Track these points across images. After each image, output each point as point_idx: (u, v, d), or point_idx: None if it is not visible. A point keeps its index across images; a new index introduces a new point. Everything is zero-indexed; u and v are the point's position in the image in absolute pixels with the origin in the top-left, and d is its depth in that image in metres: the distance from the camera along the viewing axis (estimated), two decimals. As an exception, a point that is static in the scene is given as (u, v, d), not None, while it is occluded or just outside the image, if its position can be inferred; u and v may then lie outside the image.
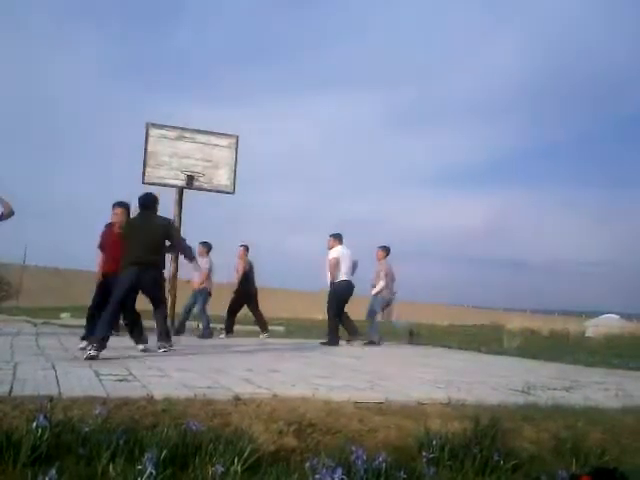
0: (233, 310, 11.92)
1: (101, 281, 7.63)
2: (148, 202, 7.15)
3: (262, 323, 11.94)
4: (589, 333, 21.68)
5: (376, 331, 11.32)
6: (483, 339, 14.78)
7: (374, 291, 11.34)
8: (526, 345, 12.80)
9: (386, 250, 11.65)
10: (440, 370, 6.89)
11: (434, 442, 3.33)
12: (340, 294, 10.58)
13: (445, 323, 26.13)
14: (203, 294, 11.60)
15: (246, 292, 11.86)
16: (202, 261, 11.15)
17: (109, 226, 7.81)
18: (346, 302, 10.71)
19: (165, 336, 7.17)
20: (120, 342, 8.54)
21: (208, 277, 11.56)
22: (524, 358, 9.74)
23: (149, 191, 7.50)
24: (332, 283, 10.60)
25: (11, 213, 7.89)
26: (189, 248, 7.72)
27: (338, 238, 10.87)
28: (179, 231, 7.26)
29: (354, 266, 10.91)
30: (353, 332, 10.82)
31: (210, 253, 11.75)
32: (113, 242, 7.43)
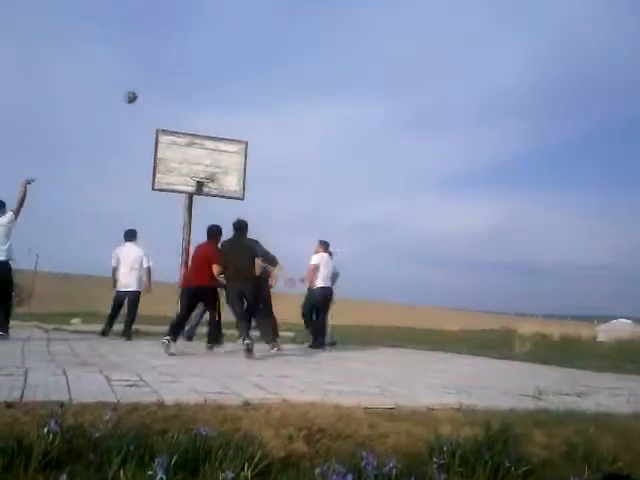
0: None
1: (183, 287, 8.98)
2: (240, 226, 8.76)
3: (274, 329, 11.97)
4: (601, 338, 21.54)
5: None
6: (493, 344, 14.72)
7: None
8: (537, 350, 12.74)
9: (324, 245, 11.12)
10: (450, 375, 6.87)
11: (445, 448, 3.30)
12: (313, 300, 10.69)
13: (455, 328, 26.03)
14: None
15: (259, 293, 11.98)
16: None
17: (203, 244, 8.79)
18: (321, 307, 10.76)
19: (271, 338, 8.93)
20: (131, 347, 8.58)
21: None
22: (535, 363, 9.69)
23: (241, 218, 8.93)
24: (309, 289, 10.71)
25: (22, 200, 8.89)
26: (273, 257, 8.94)
27: (324, 245, 10.98)
28: (262, 245, 8.87)
29: (335, 276, 11.01)
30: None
31: None
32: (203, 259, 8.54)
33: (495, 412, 4.08)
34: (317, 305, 10.74)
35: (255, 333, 11.68)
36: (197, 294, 8.57)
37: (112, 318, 10.86)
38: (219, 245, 8.77)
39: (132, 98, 10.13)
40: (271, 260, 8.94)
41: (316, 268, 10.58)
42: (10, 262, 8.86)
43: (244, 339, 7.99)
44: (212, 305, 8.69)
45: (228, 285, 8.61)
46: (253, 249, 8.69)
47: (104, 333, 10.60)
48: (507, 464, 3.24)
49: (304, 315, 10.87)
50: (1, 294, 8.86)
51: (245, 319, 8.48)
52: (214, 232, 8.80)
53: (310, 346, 10.48)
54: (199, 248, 8.80)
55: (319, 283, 10.59)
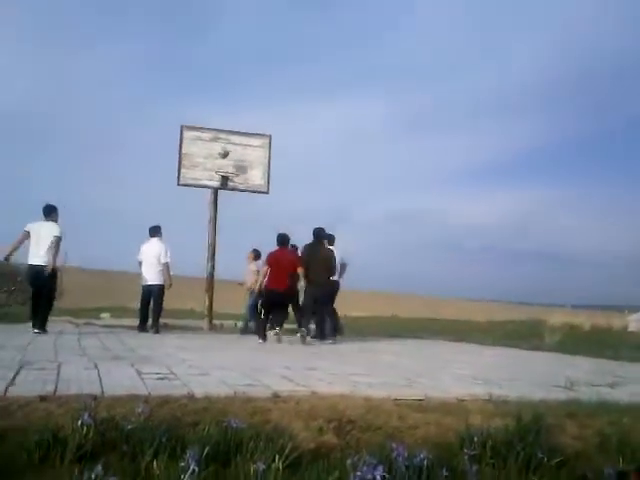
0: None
1: (267, 292, 9.83)
2: (320, 235, 10.19)
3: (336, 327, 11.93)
4: (632, 328, 21.17)
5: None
6: (522, 335, 14.58)
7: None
8: (567, 340, 12.59)
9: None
10: (479, 366, 6.83)
11: (475, 439, 3.27)
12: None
13: (482, 319, 25.82)
14: (253, 294, 12.14)
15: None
16: (252, 265, 12.32)
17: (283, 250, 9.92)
18: (326, 300, 10.74)
19: (334, 331, 10.26)
20: (160, 341, 8.68)
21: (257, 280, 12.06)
22: (565, 354, 9.58)
23: (320, 226, 10.30)
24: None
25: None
26: (334, 268, 10.27)
27: (329, 240, 11.07)
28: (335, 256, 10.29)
29: (343, 267, 11.19)
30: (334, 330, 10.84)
31: (259, 259, 12.40)
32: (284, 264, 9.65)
33: (526, 403, 4.04)
34: (319, 298, 10.80)
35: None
36: (278, 298, 9.66)
37: (143, 312, 11.04)
38: (300, 249, 10.25)
39: (225, 154, 12.23)
40: (333, 270, 10.23)
41: None
42: (53, 267, 9.19)
43: (301, 330, 9.53)
44: (287, 306, 10.06)
45: (307, 287, 9.77)
46: (331, 258, 10.14)
47: (141, 328, 10.80)
48: (539, 455, 3.20)
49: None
50: (43, 297, 9.27)
51: (309, 316, 10.03)
52: (287, 239, 10.00)
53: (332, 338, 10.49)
54: (277, 255, 9.74)
55: None
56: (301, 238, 10.64)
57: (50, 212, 9.32)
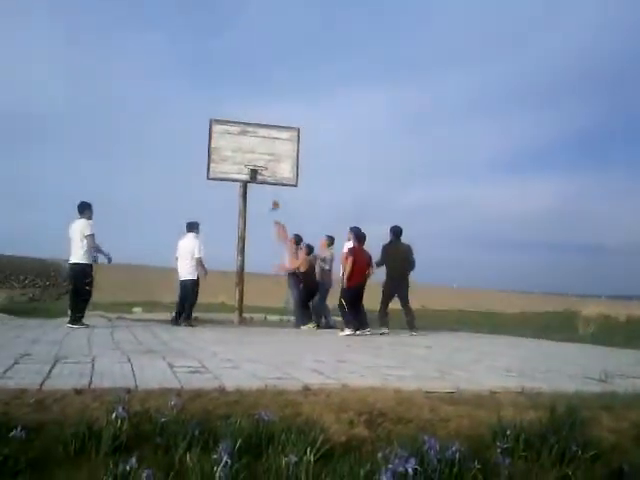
0: (304, 302, 12.15)
1: (349, 287, 10.22)
2: (399, 232, 10.80)
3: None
4: (669, 318, 20.71)
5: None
6: (556, 326, 14.39)
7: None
8: (602, 332, 12.38)
9: (331, 239, 12.20)
10: (512, 359, 6.75)
11: (508, 432, 3.24)
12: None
13: (515, 311, 25.54)
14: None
15: (309, 285, 11.98)
16: (292, 249, 12.21)
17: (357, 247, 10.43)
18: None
19: (413, 325, 10.58)
20: (192, 334, 8.76)
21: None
22: (600, 345, 9.42)
23: (397, 224, 10.87)
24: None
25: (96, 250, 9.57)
26: (414, 262, 10.77)
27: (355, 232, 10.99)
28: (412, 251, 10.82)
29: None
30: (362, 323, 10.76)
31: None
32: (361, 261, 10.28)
33: (560, 395, 3.98)
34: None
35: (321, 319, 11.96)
36: (360, 292, 10.41)
37: (178, 306, 11.19)
38: (383, 247, 10.72)
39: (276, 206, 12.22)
40: (413, 265, 10.77)
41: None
42: (85, 264, 9.41)
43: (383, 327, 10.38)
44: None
45: (388, 282, 10.61)
46: (410, 253, 10.74)
47: (174, 322, 10.96)
48: (574, 448, 3.16)
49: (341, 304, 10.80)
50: (79, 293, 9.53)
51: (385, 309, 10.70)
52: (364, 237, 10.56)
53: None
54: (361, 252, 10.34)
55: None
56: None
57: (84, 209, 9.53)
